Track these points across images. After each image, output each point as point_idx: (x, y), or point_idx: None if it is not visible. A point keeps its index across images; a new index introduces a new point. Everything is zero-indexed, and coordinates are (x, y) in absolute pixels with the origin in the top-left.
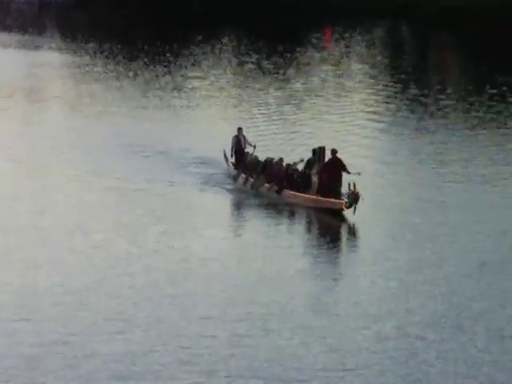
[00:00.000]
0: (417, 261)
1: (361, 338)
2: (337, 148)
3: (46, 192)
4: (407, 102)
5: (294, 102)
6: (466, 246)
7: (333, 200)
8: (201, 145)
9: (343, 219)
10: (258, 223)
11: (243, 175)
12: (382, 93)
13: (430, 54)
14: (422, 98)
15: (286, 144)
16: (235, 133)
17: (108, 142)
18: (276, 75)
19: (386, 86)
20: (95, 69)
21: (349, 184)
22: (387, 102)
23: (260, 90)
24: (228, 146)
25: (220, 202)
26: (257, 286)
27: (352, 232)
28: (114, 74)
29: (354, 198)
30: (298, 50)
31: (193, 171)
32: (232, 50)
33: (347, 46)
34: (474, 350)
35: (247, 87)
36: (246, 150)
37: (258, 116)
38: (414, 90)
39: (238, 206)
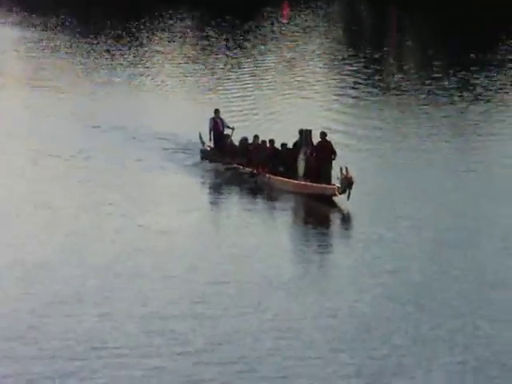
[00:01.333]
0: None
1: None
2: (325, 130)
3: (4, 172)
4: (367, 79)
5: (257, 78)
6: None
7: (324, 185)
8: (171, 124)
9: (335, 205)
10: (239, 208)
11: (226, 160)
12: (341, 70)
13: (385, 32)
14: (379, 75)
15: (259, 123)
16: (211, 114)
17: (72, 120)
18: (235, 51)
19: (346, 63)
20: (56, 44)
21: (341, 168)
22: (350, 80)
23: (223, 67)
24: (202, 127)
25: (195, 184)
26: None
27: (346, 218)
28: (77, 49)
29: (347, 183)
30: (255, 25)
31: (167, 153)
32: (191, 25)
33: (305, 21)
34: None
35: (208, 63)
36: (224, 133)
37: (224, 94)
38: (372, 67)
39: (215, 188)
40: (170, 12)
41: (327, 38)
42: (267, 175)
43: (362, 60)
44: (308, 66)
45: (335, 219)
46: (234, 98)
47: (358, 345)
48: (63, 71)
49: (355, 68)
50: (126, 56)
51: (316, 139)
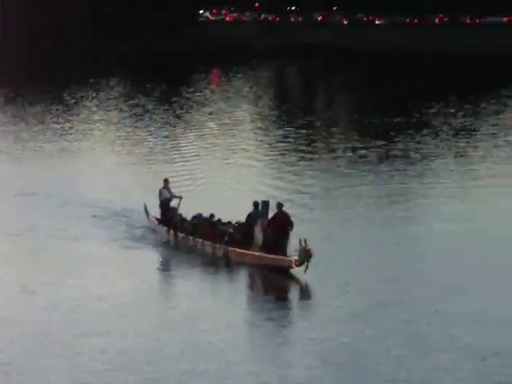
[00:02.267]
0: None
1: None
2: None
3: None
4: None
5: (190, 145)
6: None
7: (281, 257)
8: (106, 191)
9: (292, 277)
10: (195, 280)
11: (176, 233)
12: (272, 135)
13: (313, 93)
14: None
15: (194, 189)
16: (160, 184)
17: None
18: (168, 118)
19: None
20: None
21: (300, 240)
22: (281, 146)
23: (156, 134)
24: (135, 193)
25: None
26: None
27: (303, 290)
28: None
29: (305, 255)
30: (186, 91)
31: (111, 225)
32: (122, 92)
33: (233, 86)
34: None
35: (140, 130)
36: (171, 205)
37: (157, 160)
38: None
39: (166, 262)
40: (99, 80)
41: (257, 103)
42: (225, 246)
43: (293, 124)
44: (241, 131)
45: (293, 291)
46: (168, 164)
47: None
48: None
49: (285, 133)
50: (58, 122)
51: (271, 210)
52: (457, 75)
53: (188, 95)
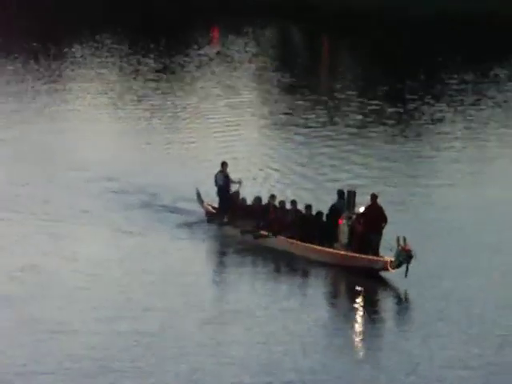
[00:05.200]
0: None
1: None
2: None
3: None
4: (300, 102)
5: (190, 108)
6: None
7: (373, 257)
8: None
9: (385, 282)
10: (262, 285)
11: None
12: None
13: (316, 57)
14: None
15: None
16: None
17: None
18: (167, 78)
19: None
20: None
21: (398, 238)
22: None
23: (154, 96)
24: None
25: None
26: None
27: (401, 300)
28: None
29: (405, 256)
30: (185, 50)
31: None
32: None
33: (236, 46)
34: None
35: (138, 93)
36: (232, 190)
37: (158, 124)
38: (303, 91)
39: (225, 260)
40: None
41: (259, 64)
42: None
43: (296, 87)
44: (241, 93)
45: (386, 301)
46: (170, 128)
47: None
48: None
49: (287, 96)
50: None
51: (359, 201)
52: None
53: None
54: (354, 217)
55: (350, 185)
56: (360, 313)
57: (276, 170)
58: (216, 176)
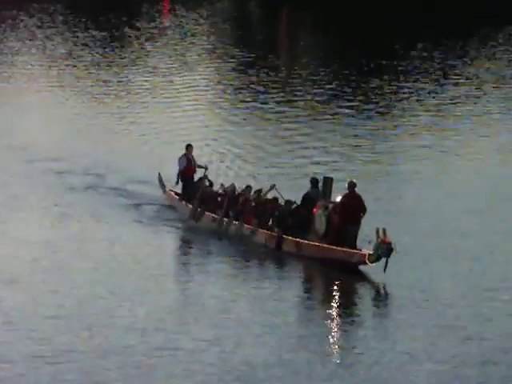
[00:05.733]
0: None
1: None
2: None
3: None
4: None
5: (139, 83)
6: None
7: (351, 250)
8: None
9: (363, 277)
10: (229, 277)
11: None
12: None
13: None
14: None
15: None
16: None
17: None
18: (118, 52)
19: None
20: None
21: (377, 230)
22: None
23: (105, 71)
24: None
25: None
26: None
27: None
28: None
29: (385, 249)
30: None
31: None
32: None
33: (186, 19)
34: None
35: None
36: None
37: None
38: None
39: (188, 250)
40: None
41: (212, 38)
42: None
43: (253, 63)
44: (194, 68)
45: (363, 296)
46: (121, 106)
47: None
48: None
49: (241, 69)
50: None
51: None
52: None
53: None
54: (331, 206)
55: (316, 172)
56: (329, 306)
57: (238, 153)
58: (180, 159)
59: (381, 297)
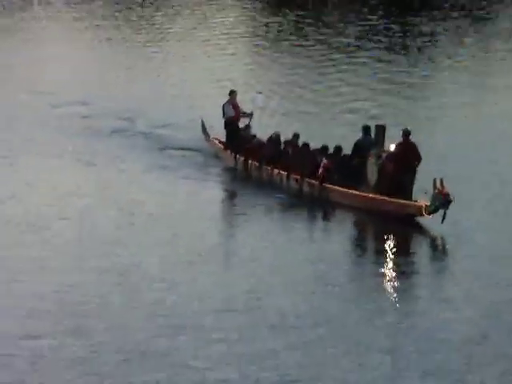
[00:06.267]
0: None
1: None
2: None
3: None
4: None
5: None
6: None
7: (405, 201)
8: None
9: (420, 229)
10: (276, 228)
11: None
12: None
13: None
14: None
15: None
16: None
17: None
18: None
19: None
20: None
21: (434, 180)
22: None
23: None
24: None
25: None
26: None
27: (438, 248)
28: None
29: (443, 201)
30: None
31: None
32: None
33: None
34: None
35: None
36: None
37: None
38: None
39: (234, 202)
40: None
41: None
42: (323, 184)
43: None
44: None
45: (421, 249)
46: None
47: None
48: None
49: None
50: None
51: (389, 138)
52: None
53: None
54: (384, 155)
55: (373, 117)
56: (376, 257)
57: (283, 97)
58: (224, 106)
59: (437, 249)
